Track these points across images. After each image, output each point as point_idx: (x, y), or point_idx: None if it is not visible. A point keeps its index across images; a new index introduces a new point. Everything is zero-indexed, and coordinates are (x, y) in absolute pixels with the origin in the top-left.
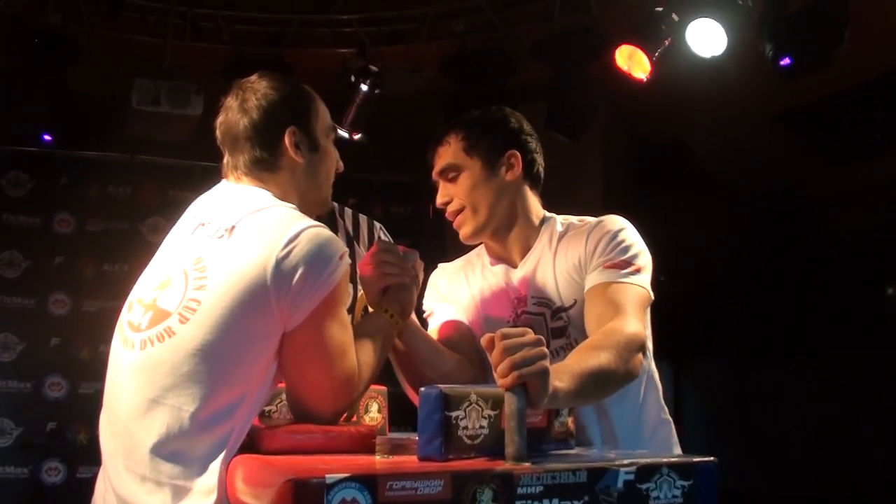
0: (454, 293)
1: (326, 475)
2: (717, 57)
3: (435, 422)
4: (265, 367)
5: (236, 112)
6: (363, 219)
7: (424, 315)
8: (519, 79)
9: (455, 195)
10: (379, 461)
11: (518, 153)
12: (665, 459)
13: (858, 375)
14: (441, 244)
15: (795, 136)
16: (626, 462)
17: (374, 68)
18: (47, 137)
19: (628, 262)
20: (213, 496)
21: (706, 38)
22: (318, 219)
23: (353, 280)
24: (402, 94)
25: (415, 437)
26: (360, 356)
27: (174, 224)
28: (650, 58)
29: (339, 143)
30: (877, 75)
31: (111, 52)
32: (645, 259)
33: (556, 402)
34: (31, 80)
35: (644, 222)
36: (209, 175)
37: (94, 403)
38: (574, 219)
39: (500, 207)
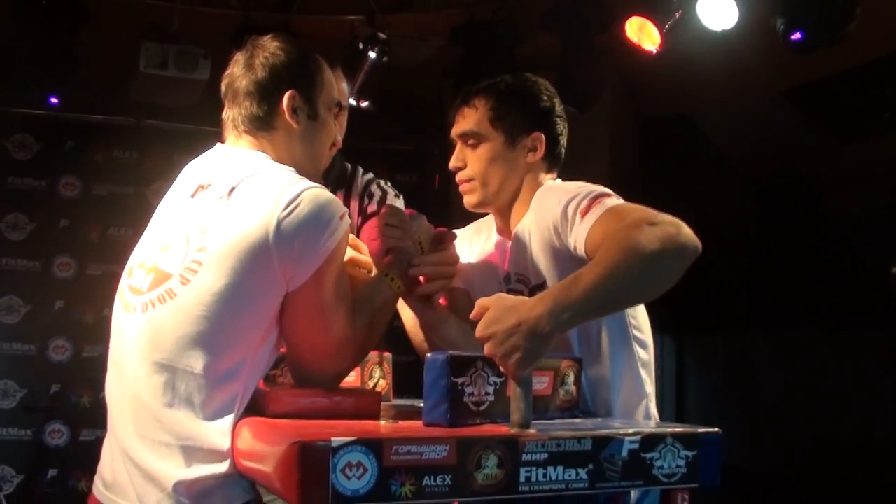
0: (461, 259)
1: (332, 438)
2: (728, 31)
3: (441, 387)
4: (268, 327)
5: (242, 67)
6: (360, 173)
7: None
8: (528, 49)
9: (470, 162)
10: (384, 426)
11: (543, 136)
12: (670, 430)
13: (862, 353)
14: (446, 213)
15: (804, 112)
16: (630, 431)
17: (382, 36)
18: (54, 100)
19: (596, 198)
20: (227, 461)
21: (717, 11)
22: (328, 177)
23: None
24: (410, 63)
25: (419, 404)
26: (360, 319)
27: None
28: (660, 30)
29: (348, 110)
30: (887, 53)
31: (119, 15)
32: (604, 188)
33: (568, 325)
34: (38, 43)
35: (649, 196)
36: (216, 140)
37: (97, 366)
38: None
39: (511, 185)
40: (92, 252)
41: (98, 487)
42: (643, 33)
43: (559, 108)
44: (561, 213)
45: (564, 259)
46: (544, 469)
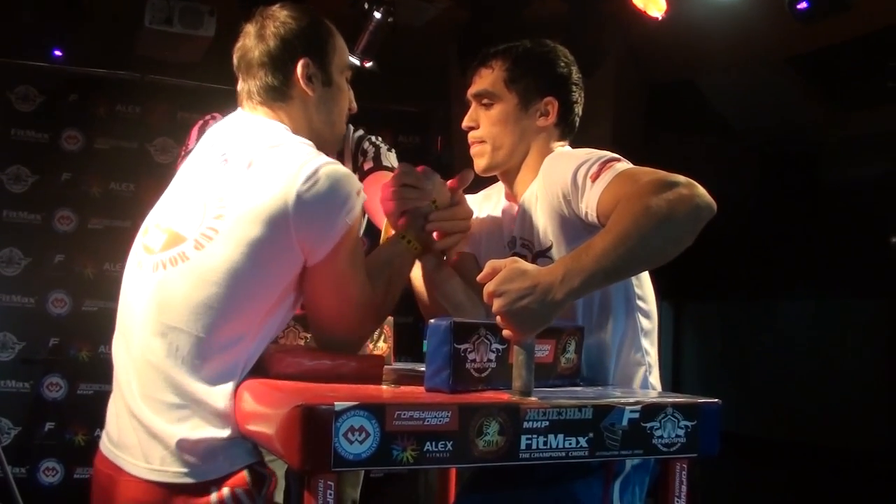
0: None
1: (336, 402)
2: None
3: (443, 353)
4: (279, 297)
5: (253, 38)
6: (351, 132)
7: None
8: (534, 12)
9: (482, 123)
10: (386, 390)
11: (556, 101)
12: (671, 399)
13: (862, 322)
14: (448, 175)
15: (807, 81)
16: (631, 400)
17: None
18: (58, 53)
19: (606, 163)
20: (230, 424)
21: None
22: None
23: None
24: (416, 24)
25: (420, 367)
26: (379, 283)
27: (182, 145)
28: None
29: (351, 70)
30: (892, 23)
31: None
32: (613, 154)
33: (581, 292)
34: None
35: (652, 162)
36: (219, 97)
37: (96, 320)
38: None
39: (521, 149)
40: (93, 206)
41: (105, 444)
42: None
43: (576, 76)
44: (571, 179)
45: (573, 226)
46: (545, 437)
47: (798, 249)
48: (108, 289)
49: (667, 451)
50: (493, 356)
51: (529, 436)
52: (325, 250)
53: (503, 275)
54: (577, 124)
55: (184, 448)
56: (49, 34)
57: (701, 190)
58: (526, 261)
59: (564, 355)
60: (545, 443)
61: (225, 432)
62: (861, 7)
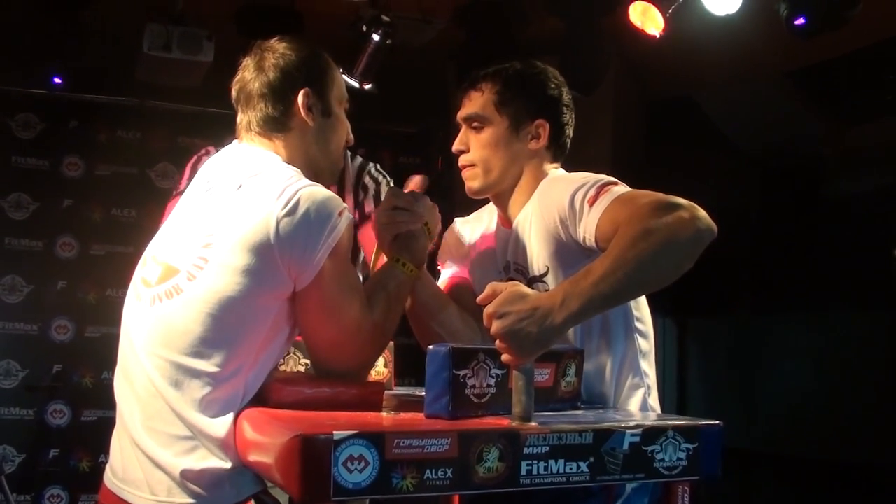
0: (461, 247)
1: (334, 431)
2: (731, 15)
3: (442, 380)
4: (274, 324)
5: (252, 70)
6: (358, 161)
7: (438, 266)
8: (532, 31)
9: (473, 147)
10: (386, 418)
11: (547, 123)
12: (671, 422)
13: (864, 335)
14: (449, 195)
15: (807, 95)
16: (632, 424)
17: (386, 18)
18: (57, 80)
19: (603, 186)
20: (233, 454)
21: None
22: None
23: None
24: (414, 45)
25: (420, 391)
26: (377, 308)
27: (182, 170)
28: (664, 14)
29: (350, 92)
30: (891, 36)
31: None
32: (610, 177)
33: (581, 317)
34: (42, 22)
35: (653, 178)
36: (219, 122)
37: (100, 347)
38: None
39: (512, 172)
40: (94, 232)
41: (110, 478)
42: (647, 17)
43: (567, 97)
44: (568, 204)
45: (570, 251)
46: (545, 462)
47: (800, 263)
48: (111, 314)
49: (668, 475)
50: (492, 381)
51: (530, 461)
52: (311, 273)
53: (503, 297)
54: (569, 145)
55: (189, 478)
56: (49, 62)
57: (702, 213)
58: None
59: (565, 379)
60: (546, 468)
61: (229, 462)
62: (859, 21)
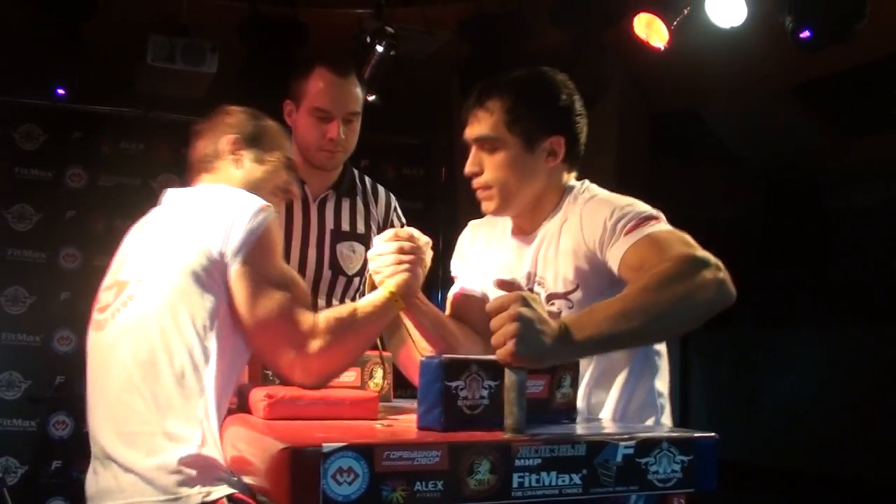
0: (475, 255)
1: (323, 444)
2: (736, 28)
3: (435, 391)
4: (225, 318)
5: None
6: (382, 191)
7: (451, 275)
8: (536, 44)
9: (487, 168)
10: (379, 429)
11: (562, 138)
12: (665, 434)
13: (868, 349)
14: (453, 206)
15: (811, 108)
16: (625, 436)
17: (390, 29)
18: (61, 91)
19: (645, 220)
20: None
21: (726, 8)
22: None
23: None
24: (418, 56)
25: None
26: (351, 324)
27: (186, 181)
28: (668, 27)
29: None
30: (894, 51)
31: (127, 7)
32: (654, 210)
33: (576, 352)
34: (46, 33)
35: (657, 192)
36: None
37: None
38: (589, 191)
39: (532, 190)
40: (98, 243)
41: None
42: (651, 30)
43: (578, 104)
44: (610, 226)
45: (601, 273)
46: (537, 474)
47: (803, 276)
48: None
49: (662, 487)
50: (485, 393)
51: (522, 474)
52: (237, 259)
53: (529, 295)
54: (583, 152)
55: (160, 477)
56: (52, 73)
57: (725, 276)
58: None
59: (560, 390)
60: (538, 480)
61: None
62: (864, 35)
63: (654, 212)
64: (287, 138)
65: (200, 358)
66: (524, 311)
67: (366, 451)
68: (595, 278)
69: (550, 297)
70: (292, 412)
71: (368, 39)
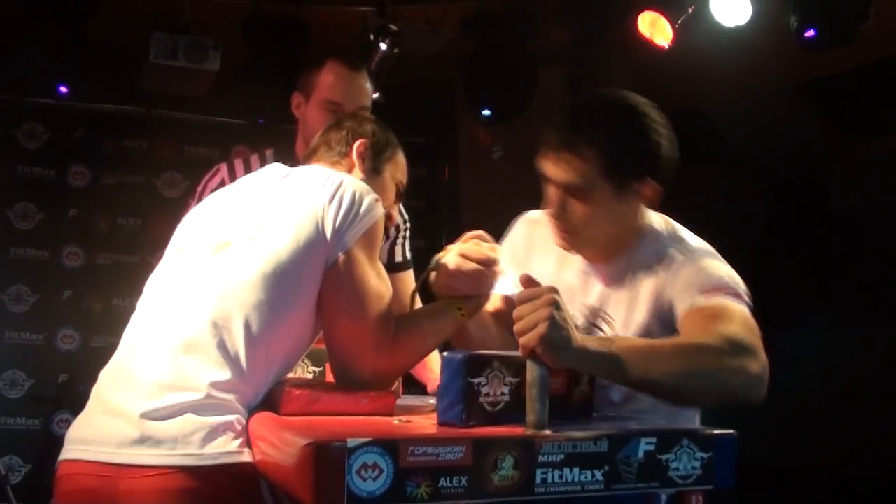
0: (530, 258)
1: (348, 439)
2: (741, 27)
3: (456, 388)
4: (310, 311)
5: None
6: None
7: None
8: (539, 42)
9: (572, 213)
10: (399, 426)
11: (654, 181)
12: (685, 430)
13: (871, 348)
14: (455, 205)
15: (815, 109)
16: (647, 431)
17: (393, 27)
18: (63, 89)
19: (728, 290)
20: (244, 444)
21: (730, 7)
22: None
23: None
24: (421, 55)
25: (429, 400)
26: (407, 327)
27: (190, 179)
28: (672, 25)
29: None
30: None
31: (129, 4)
32: (742, 287)
33: (589, 364)
34: (48, 31)
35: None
36: (225, 130)
37: (106, 357)
38: (682, 242)
39: (616, 231)
40: (100, 242)
41: (92, 450)
42: (655, 28)
43: (671, 141)
44: (693, 283)
45: (671, 326)
46: (560, 470)
47: (807, 276)
48: (117, 324)
49: (682, 484)
50: (506, 389)
51: (545, 469)
52: (342, 248)
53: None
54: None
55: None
56: (54, 71)
57: (761, 374)
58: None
59: (578, 388)
60: (561, 476)
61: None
62: (868, 35)
63: (741, 288)
64: (404, 166)
65: (283, 334)
66: (560, 301)
67: (391, 447)
68: (665, 333)
69: None
70: (310, 406)
71: (372, 37)
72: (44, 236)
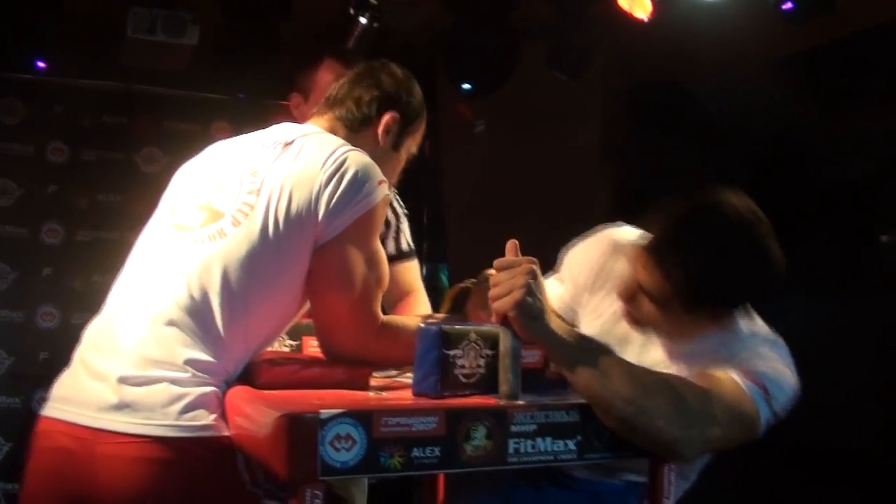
0: (597, 288)
1: (321, 410)
2: None
3: (432, 359)
4: (299, 287)
5: (362, 76)
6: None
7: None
8: (521, 15)
9: (641, 306)
10: (373, 397)
11: (730, 309)
12: None
13: (853, 322)
14: (436, 182)
15: (798, 81)
16: None
17: (373, 1)
18: (41, 64)
19: (759, 381)
20: (221, 418)
21: None
22: None
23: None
24: (402, 29)
25: (405, 376)
26: (403, 333)
27: (170, 155)
28: None
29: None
30: (880, 22)
31: None
32: (779, 392)
33: (551, 342)
34: (25, 5)
35: (642, 165)
36: (205, 105)
37: None
38: (752, 334)
39: (678, 335)
40: (80, 218)
41: (74, 411)
42: (634, 1)
43: (758, 275)
44: (741, 360)
45: None
46: (533, 440)
47: (790, 250)
48: (97, 301)
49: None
50: (482, 361)
51: (517, 439)
52: (336, 228)
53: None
54: None
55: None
56: (32, 45)
57: (700, 438)
58: None
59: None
60: (533, 446)
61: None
62: (847, 7)
63: (779, 398)
64: (421, 134)
65: (263, 326)
66: (538, 272)
67: (364, 418)
68: None
69: None
70: (286, 378)
71: (352, 11)
72: (22, 213)
